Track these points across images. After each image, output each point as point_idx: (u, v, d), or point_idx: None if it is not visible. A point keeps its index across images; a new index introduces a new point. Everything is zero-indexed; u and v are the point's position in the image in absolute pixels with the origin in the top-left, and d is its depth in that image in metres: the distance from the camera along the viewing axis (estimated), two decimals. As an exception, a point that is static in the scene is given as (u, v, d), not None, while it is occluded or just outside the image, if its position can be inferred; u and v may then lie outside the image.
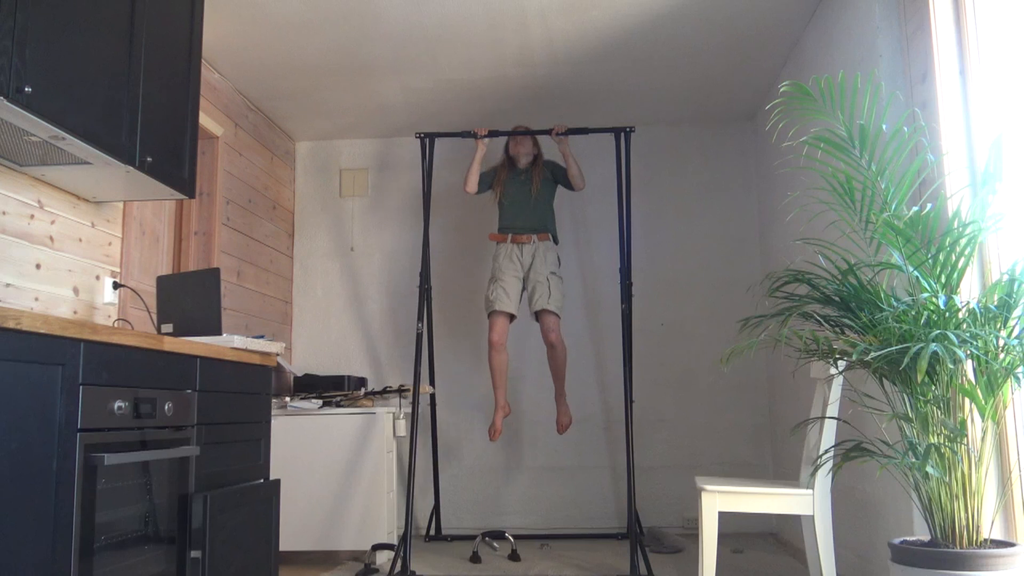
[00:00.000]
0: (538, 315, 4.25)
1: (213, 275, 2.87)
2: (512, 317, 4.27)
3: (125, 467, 2.04)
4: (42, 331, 1.75)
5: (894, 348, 2.02)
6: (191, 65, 2.95)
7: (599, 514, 4.83)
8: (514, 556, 4.05)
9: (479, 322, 4.92)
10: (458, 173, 4.99)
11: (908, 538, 2.24)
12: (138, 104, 2.58)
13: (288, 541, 3.73)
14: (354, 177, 5.28)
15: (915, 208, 2.22)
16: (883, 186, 2.27)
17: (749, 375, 4.81)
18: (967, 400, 2.11)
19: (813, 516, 2.79)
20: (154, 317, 3.00)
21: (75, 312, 2.92)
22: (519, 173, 4.35)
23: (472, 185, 4.36)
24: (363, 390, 4.46)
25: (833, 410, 2.80)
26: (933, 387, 2.11)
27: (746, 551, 4.17)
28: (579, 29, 3.81)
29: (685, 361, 4.92)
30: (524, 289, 4.29)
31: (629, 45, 3.97)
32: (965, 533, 2.05)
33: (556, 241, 4.39)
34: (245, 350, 2.74)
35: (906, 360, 1.97)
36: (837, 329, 2.33)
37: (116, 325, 3.07)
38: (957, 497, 2.06)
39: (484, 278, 4.78)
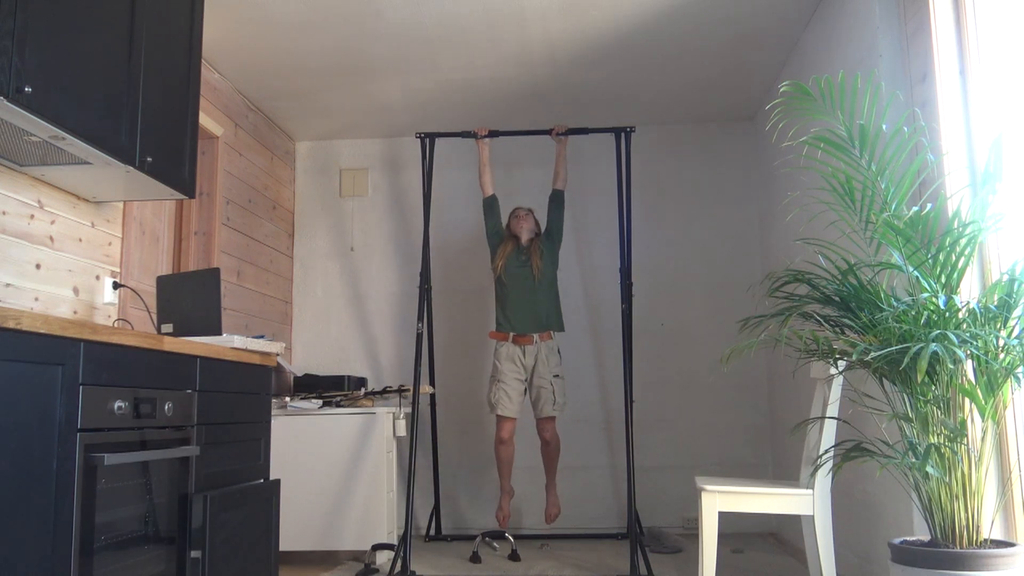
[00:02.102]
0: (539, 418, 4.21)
1: (213, 275, 2.87)
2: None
3: (125, 467, 2.04)
4: (42, 331, 1.75)
5: (894, 348, 2.02)
6: (191, 65, 2.95)
7: (599, 514, 4.83)
8: (514, 556, 4.05)
9: (479, 322, 4.92)
10: (458, 173, 5.00)
11: (908, 538, 2.24)
12: (138, 104, 2.58)
13: (288, 541, 3.73)
14: (354, 177, 5.27)
15: (915, 208, 2.21)
16: (883, 186, 2.27)
17: (749, 375, 4.81)
18: (967, 400, 2.11)
19: (813, 516, 2.79)
20: (154, 317, 3.00)
21: (75, 312, 2.92)
22: (520, 252, 4.22)
23: (488, 186, 4.34)
24: (363, 390, 4.45)
25: (833, 410, 2.80)
26: (933, 387, 2.11)
27: (746, 551, 4.17)
28: (579, 29, 3.80)
29: (685, 361, 4.92)
30: (526, 389, 4.20)
31: (629, 45, 3.97)
32: (965, 533, 2.05)
33: (562, 328, 4.26)
34: (245, 350, 2.74)
35: (906, 360, 1.97)
36: (837, 329, 2.33)
37: (116, 325, 3.07)
38: (957, 497, 2.06)
39: (484, 277, 4.78)
